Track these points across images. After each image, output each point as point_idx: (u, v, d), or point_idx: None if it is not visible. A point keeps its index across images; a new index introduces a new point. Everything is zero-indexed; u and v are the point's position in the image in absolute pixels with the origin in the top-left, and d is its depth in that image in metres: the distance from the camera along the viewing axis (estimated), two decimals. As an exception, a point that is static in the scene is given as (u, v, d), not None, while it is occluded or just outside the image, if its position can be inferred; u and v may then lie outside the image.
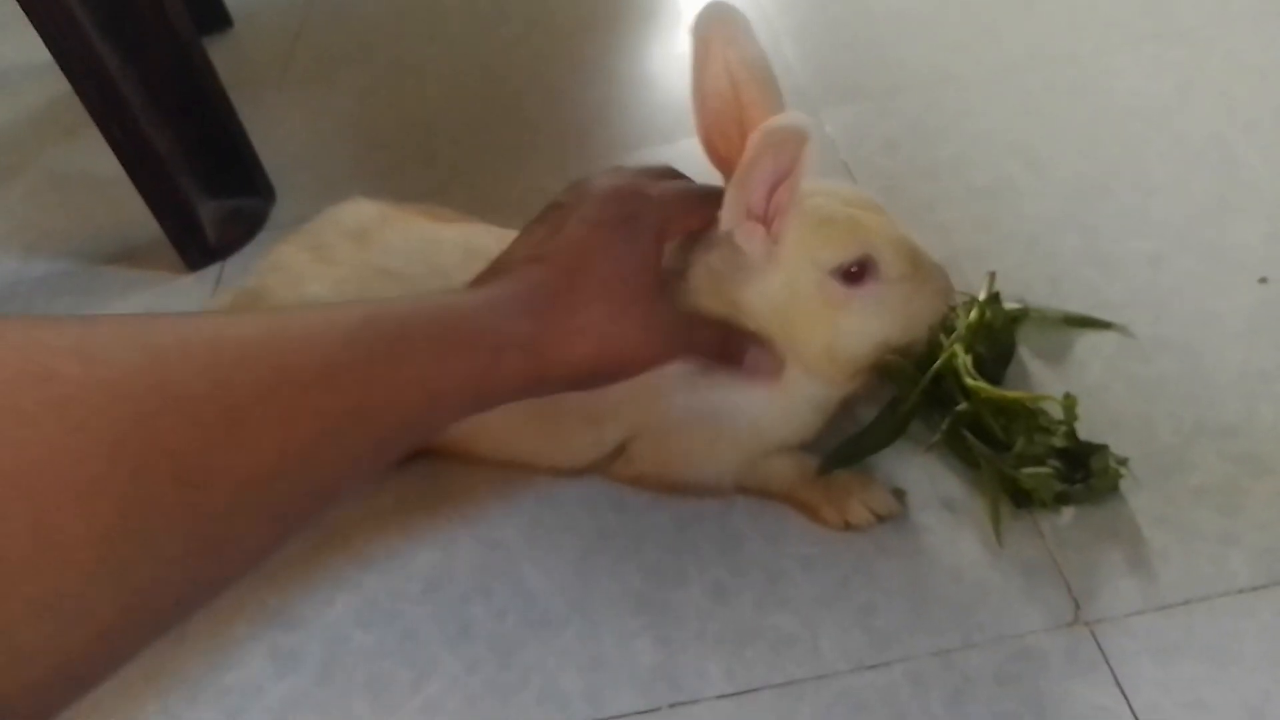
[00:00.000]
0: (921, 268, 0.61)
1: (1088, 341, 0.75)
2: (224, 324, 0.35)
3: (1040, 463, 0.65)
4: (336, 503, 0.39)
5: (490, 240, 0.71)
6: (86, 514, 0.28)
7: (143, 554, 0.30)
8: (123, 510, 0.29)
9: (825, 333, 0.61)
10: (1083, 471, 0.65)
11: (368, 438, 0.38)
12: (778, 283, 0.60)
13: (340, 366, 0.37)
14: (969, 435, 0.68)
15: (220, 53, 1.06)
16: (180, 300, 0.99)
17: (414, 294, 0.46)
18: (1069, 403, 0.66)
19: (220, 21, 1.44)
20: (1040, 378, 0.73)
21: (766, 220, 0.58)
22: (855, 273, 0.60)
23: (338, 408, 0.36)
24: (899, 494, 0.68)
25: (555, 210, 0.54)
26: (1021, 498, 0.65)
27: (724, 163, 0.60)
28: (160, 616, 0.33)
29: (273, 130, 1.15)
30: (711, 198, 0.58)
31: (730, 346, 0.60)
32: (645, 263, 0.53)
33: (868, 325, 0.61)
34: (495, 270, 0.52)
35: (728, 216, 0.57)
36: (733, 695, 0.60)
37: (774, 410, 0.65)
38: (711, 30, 0.57)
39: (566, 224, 0.52)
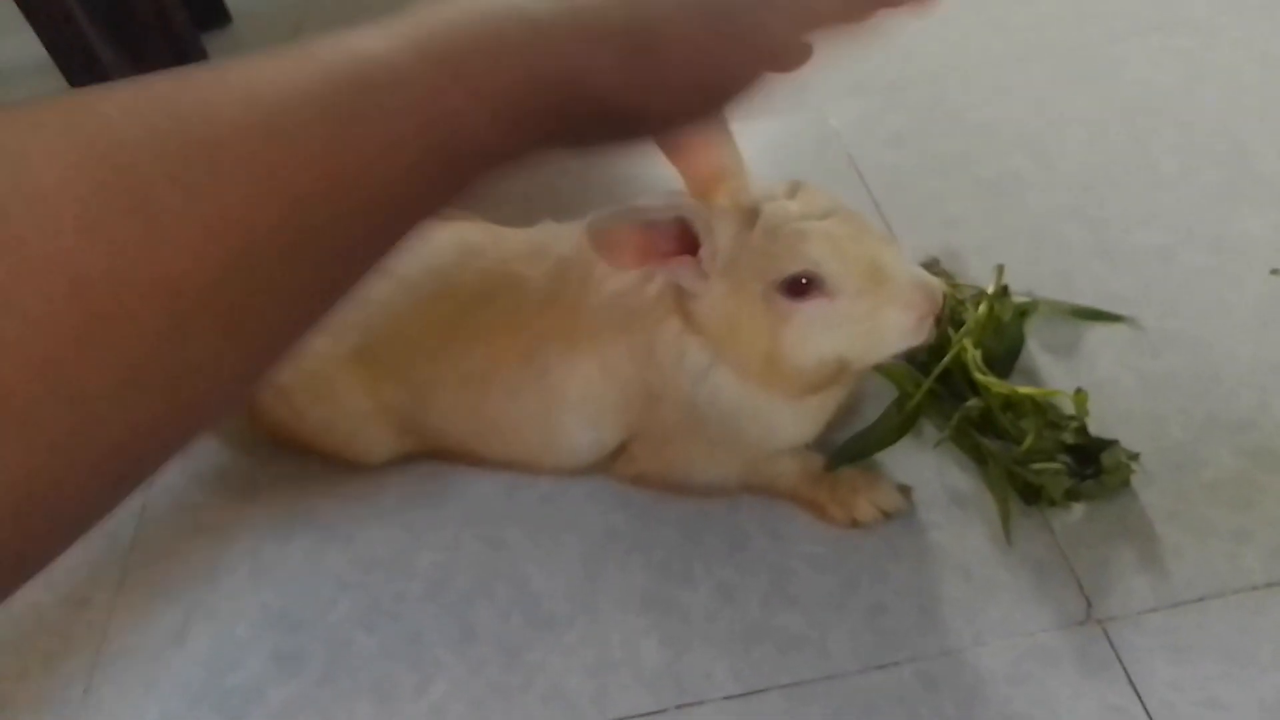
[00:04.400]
0: (885, 284, 0.56)
1: (1097, 335, 0.75)
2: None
3: (1050, 458, 0.64)
4: (370, 268, 0.36)
5: (486, 238, 0.70)
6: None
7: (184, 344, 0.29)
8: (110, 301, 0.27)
9: (764, 342, 0.59)
10: (1093, 467, 0.64)
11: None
12: (721, 290, 0.59)
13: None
14: (976, 432, 0.67)
15: (220, 49, 1.06)
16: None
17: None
18: (1080, 398, 0.65)
19: (219, 17, 1.42)
20: (1049, 372, 0.73)
21: (691, 249, 0.58)
22: (804, 285, 0.56)
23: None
24: (906, 491, 0.67)
25: None
26: (1031, 494, 0.64)
27: None
28: (194, 414, 0.32)
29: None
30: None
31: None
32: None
33: (811, 340, 0.58)
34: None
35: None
36: (740, 696, 0.60)
37: (765, 420, 0.64)
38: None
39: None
